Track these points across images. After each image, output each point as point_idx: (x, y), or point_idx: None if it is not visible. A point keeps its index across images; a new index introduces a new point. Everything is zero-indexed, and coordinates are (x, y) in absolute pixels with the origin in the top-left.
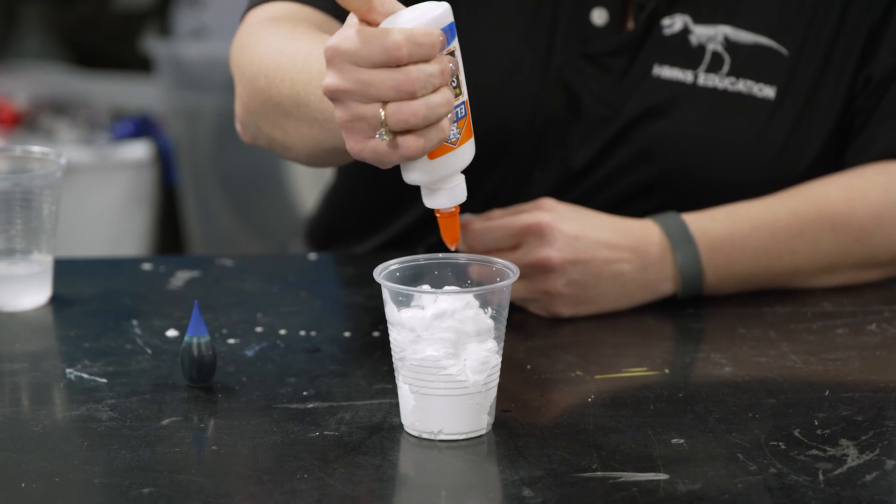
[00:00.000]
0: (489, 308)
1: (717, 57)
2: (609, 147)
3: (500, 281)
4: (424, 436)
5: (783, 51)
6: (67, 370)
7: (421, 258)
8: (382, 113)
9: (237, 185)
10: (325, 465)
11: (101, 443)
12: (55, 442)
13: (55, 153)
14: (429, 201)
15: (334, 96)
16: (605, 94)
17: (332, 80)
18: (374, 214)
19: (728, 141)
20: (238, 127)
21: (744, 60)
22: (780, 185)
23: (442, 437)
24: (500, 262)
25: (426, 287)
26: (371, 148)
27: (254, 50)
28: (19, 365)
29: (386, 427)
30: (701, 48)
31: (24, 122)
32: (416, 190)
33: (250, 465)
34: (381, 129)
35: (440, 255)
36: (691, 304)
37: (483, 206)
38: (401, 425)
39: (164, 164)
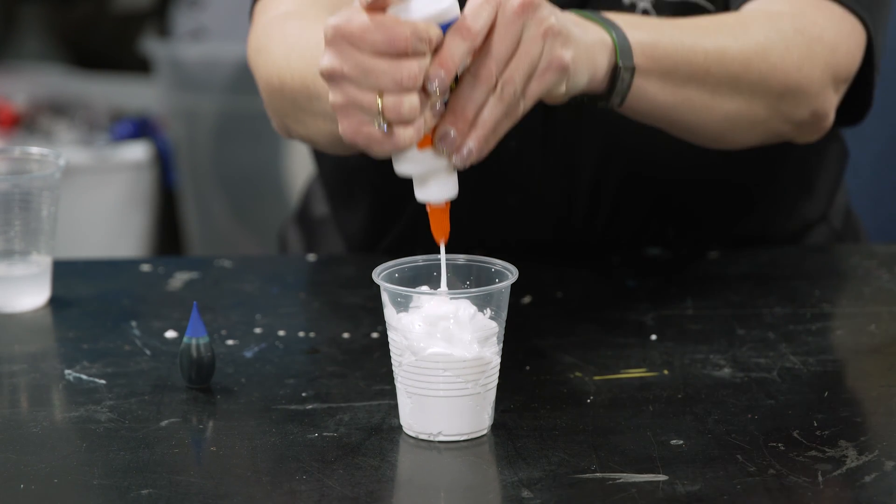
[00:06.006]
0: (488, 309)
1: (646, 14)
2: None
3: (499, 282)
4: (423, 437)
5: (710, 7)
6: (66, 371)
7: (420, 259)
8: (380, 102)
9: (236, 186)
10: (324, 467)
11: (100, 444)
12: (54, 443)
13: (54, 154)
14: (419, 194)
15: (331, 77)
16: None
17: (330, 61)
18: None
19: None
20: (273, 125)
21: (671, 17)
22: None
23: (441, 438)
24: (498, 262)
25: (425, 288)
26: (365, 134)
27: (266, 53)
28: (18, 366)
29: (385, 428)
30: (632, 7)
31: (22, 123)
32: (402, 202)
33: (249, 467)
34: (379, 118)
35: (439, 256)
36: (691, 305)
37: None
38: (400, 426)
39: (164, 165)
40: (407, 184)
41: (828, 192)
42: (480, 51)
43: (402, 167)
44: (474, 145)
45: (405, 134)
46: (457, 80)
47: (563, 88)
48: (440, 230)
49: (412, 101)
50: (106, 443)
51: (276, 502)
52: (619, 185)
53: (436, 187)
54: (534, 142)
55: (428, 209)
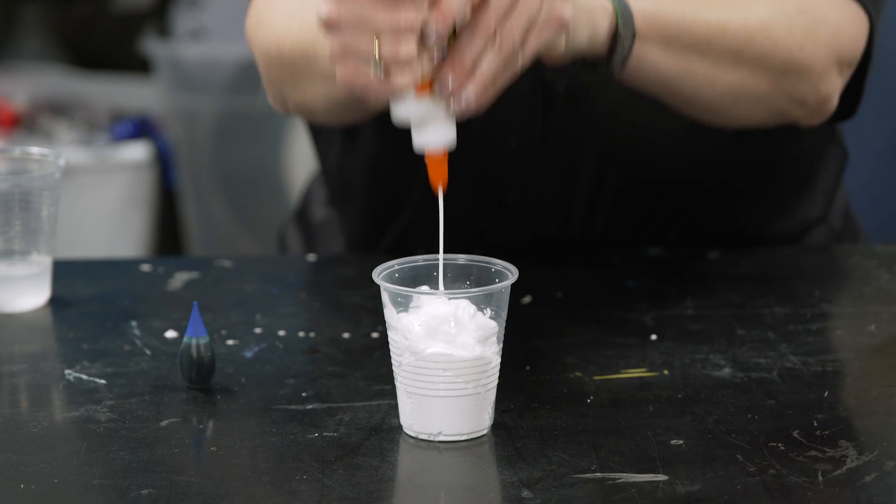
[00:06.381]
0: (488, 309)
1: None
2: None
3: (499, 282)
4: (423, 437)
5: None
6: (66, 371)
7: (419, 259)
8: (377, 47)
9: (236, 186)
10: (324, 467)
11: (100, 444)
12: (54, 443)
13: (54, 154)
14: (417, 139)
15: (330, 25)
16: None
17: (329, 10)
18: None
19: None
20: (270, 101)
21: None
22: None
23: (441, 438)
24: (498, 262)
25: (425, 288)
26: (363, 80)
27: (266, 25)
28: (18, 366)
29: (385, 428)
30: None
31: (22, 124)
32: (405, 201)
33: (249, 467)
34: (376, 63)
35: (439, 256)
36: (691, 305)
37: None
38: (400, 426)
39: (163, 165)
40: (407, 183)
41: (827, 193)
42: (479, 5)
43: (399, 111)
44: (472, 94)
45: (402, 79)
46: (455, 34)
47: (562, 45)
48: (438, 177)
49: (409, 45)
50: (106, 443)
51: (276, 502)
52: (618, 185)
53: (434, 133)
54: (534, 141)
55: (426, 158)
